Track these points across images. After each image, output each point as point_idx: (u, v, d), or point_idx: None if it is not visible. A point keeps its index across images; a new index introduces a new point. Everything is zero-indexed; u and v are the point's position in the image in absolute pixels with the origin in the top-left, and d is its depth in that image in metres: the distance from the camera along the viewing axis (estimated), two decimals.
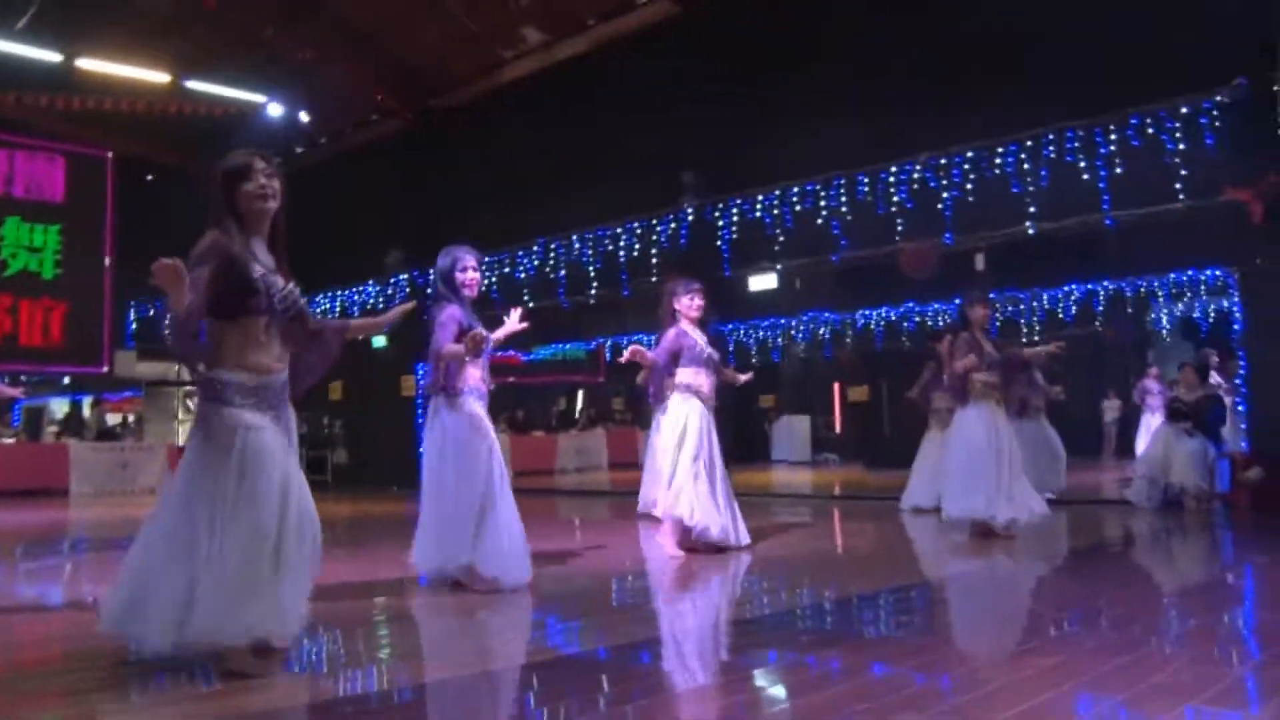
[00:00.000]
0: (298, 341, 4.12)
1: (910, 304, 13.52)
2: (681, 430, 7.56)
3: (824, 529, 10.22)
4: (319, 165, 21.04)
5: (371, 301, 19.66)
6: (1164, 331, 15.88)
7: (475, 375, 6.30)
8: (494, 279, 17.48)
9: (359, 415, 20.43)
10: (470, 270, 6.48)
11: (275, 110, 18.18)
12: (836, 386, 23.31)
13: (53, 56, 16.37)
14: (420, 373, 19.07)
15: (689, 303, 7.75)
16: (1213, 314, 14.83)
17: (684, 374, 7.66)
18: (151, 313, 21.28)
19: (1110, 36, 11.69)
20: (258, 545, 3.77)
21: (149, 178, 21.35)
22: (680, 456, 7.57)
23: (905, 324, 15.54)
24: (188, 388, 21.74)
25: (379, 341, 19.57)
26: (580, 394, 28.26)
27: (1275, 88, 10.70)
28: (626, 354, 7.45)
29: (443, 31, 18.04)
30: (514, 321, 6.74)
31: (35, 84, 17.25)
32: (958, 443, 8.55)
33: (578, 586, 6.69)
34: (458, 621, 5.48)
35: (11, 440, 19.29)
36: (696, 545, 7.61)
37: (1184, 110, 11.18)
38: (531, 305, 16.76)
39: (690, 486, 7.52)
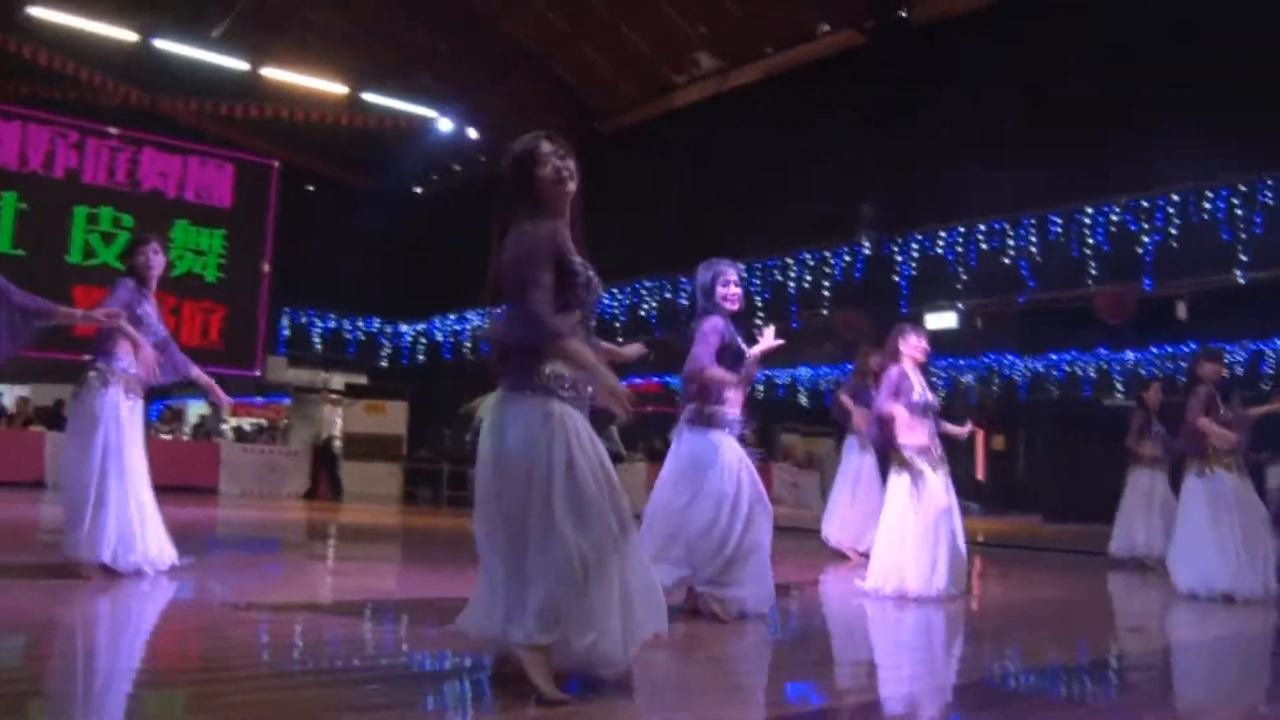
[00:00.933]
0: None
1: (1102, 349, 13.07)
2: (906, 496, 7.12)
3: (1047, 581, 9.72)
4: (487, 180, 21.18)
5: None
6: None
7: (737, 402, 5.99)
8: (655, 304, 17.38)
9: None
10: (733, 285, 6.13)
11: (445, 125, 18.36)
12: (981, 434, 22.78)
13: (241, 65, 16.77)
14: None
15: (915, 343, 7.31)
16: None
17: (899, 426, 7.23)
18: (303, 320, 21.63)
19: None
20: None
21: (309, 188, 21.71)
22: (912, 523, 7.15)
23: (1055, 373, 15.08)
24: (333, 396, 21.99)
25: None
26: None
27: None
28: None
29: (612, 55, 18.11)
30: (769, 339, 6.33)
31: (219, 92, 17.70)
32: (1194, 510, 8.09)
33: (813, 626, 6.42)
34: (705, 656, 5.11)
35: (169, 436, 19.66)
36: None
37: None
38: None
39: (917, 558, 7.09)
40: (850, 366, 15.33)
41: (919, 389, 7.08)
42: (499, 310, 3.66)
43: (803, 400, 20.98)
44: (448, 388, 21.12)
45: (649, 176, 18.21)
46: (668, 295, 17.26)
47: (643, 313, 17.57)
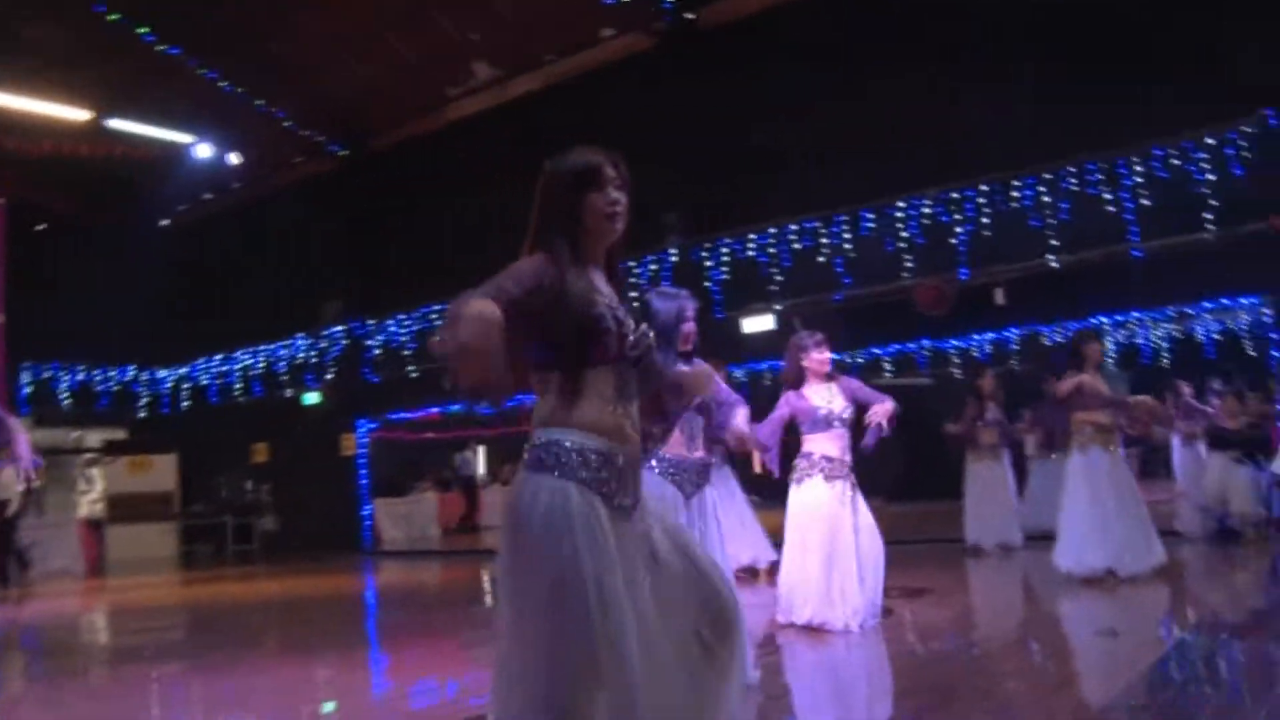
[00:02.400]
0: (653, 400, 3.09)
1: (924, 340, 13.15)
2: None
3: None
4: (243, 208, 19.73)
5: (302, 356, 18.38)
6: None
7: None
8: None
9: (289, 478, 18.99)
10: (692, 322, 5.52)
11: (203, 151, 16.85)
12: None
13: None
14: (363, 430, 17.89)
15: (818, 357, 6.83)
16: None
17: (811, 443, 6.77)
18: (46, 374, 19.48)
19: (1129, 70, 11.57)
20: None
21: (40, 227, 19.61)
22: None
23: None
24: (88, 455, 19.93)
25: (311, 398, 18.30)
26: (481, 449, 27.00)
27: None
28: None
29: (382, 68, 17.08)
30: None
31: None
32: (1076, 492, 8.06)
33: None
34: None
35: None
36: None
37: (1210, 141, 11.09)
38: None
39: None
40: None
41: (821, 401, 6.64)
42: None
43: None
44: (219, 435, 19.50)
45: (430, 193, 17.29)
46: None
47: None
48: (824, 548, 6.46)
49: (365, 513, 17.89)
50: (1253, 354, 13.89)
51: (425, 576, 14.04)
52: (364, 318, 17.72)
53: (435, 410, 18.48)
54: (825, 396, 6.56)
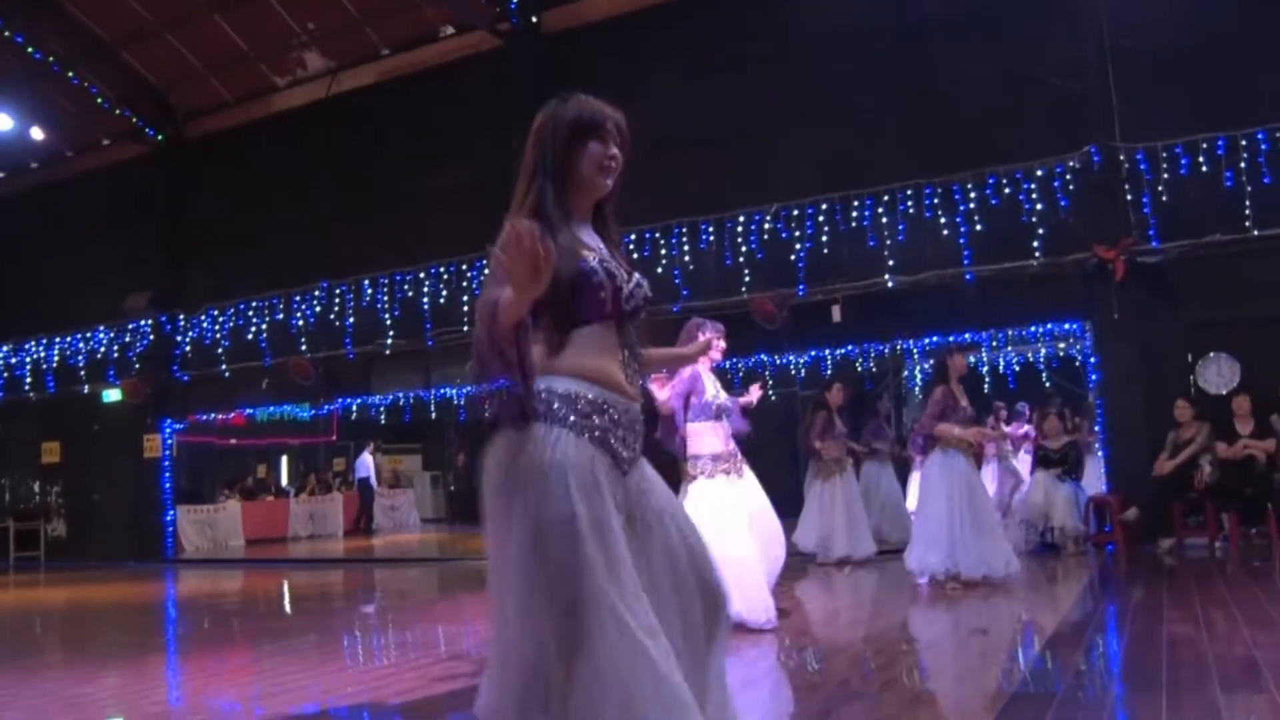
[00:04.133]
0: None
1: (762, 355, 13.16)
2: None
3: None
4: (41, 189, 18.41)
5: (103, 350, 17.23)
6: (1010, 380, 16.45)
7: None
8: (264, 326, 15.71)
9: (84, 480, 17.74)
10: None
11: (3, 123, 15.63)
12: None
13: None
14: (168, 431, 16.87)
15: (719, 344, 6.68)
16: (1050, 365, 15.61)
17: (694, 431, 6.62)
18: None
19: (967, 102, 11.94)
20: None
21: None
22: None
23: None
24: None
25: (111, 395, 17.17)
26: (284, 458, 25.95)
27: (1120, 156, 11.21)
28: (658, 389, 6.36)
29: (202, 49, 16.26)
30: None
31: None
32: (931, 495, 8.15)
33: None
34: None
35: None
36: None
37: (1039, 172, 11.49)
38: (310, 356, 15.22)
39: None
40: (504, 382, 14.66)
41: (712, 391, 6.53)
42: None
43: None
44: (3, 432, 18.17)
45: (252, 185, 16.49)
46: (279, 316, 15.63)
47: (250, 336, 15.82)
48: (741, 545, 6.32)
49: (168, 519, 16.85)
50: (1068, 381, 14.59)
51: (228, 586, 13.31)
52: (174, 312, 16.75)
53: (246, 412, 17.65)
54: (714, 386, 6.48)
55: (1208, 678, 4.63)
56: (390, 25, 15.40)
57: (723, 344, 6.58)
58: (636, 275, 2.74)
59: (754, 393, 7.11)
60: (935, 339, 12.37)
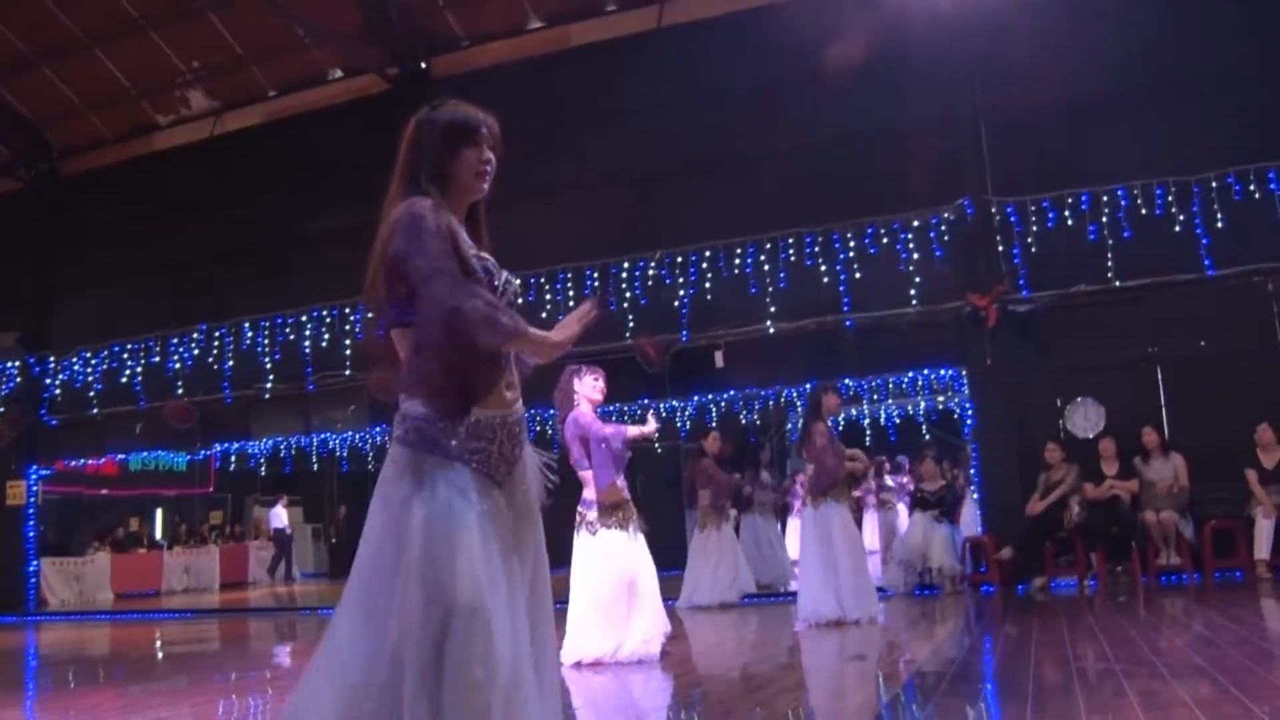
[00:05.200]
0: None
1: (644, 399, 13.18)
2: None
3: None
4: None
5: None
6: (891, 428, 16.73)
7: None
8: (138, 369, 15.27)
9: None
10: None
11: None
12: None
13: None
14: (34, 477, 16.23)
15: (593, 384, 6.71)
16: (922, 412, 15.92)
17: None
18: None
19: (846, 155, 12.26)
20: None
21: None
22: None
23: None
24: None
25: None
26: (159, 510, 25.15)
27: (991, 208, 11.61)
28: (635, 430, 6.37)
29: (81, 84, 15.90)
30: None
31: None
32: (808, 542, 8.26)
33: None
34: None
35: None
36: None
37: (915, 223, 11.82)
38: (187, 400, 14.84)
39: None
40: (376, 429, 14.48)
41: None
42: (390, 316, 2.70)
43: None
44: None
45: (130, 224, 16.08)
46: (156, 359, 15.21)
47: (124, 379, 15.37)
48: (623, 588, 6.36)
49: (31, 570, 16.16)
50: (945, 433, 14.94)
51: (96, 637, 12.80)
52: (43, 353, 16.19)
53: (119, 459, 17.10)
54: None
55: (1071, 689, 4.76)
56: (278, 66, 15.29)
57: (602, 385, 6.63)
58: (506, 272, 2.77)
59: (650, 422, 7.10)
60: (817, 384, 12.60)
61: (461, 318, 2.46)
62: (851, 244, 12.03)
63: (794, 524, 14.56)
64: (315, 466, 17.83)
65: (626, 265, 12.83)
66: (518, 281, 2.83)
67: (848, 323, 11.99)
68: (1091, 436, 11.05)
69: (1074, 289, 11.16)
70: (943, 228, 11.76)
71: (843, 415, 15.47)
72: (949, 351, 11.94)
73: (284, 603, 17.09)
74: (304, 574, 22.69)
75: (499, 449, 2.61)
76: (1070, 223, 11.19)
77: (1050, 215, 11.29)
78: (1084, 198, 11.16)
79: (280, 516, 21.86)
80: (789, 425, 17.00)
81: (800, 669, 6.88)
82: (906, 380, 14.45)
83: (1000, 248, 11.52)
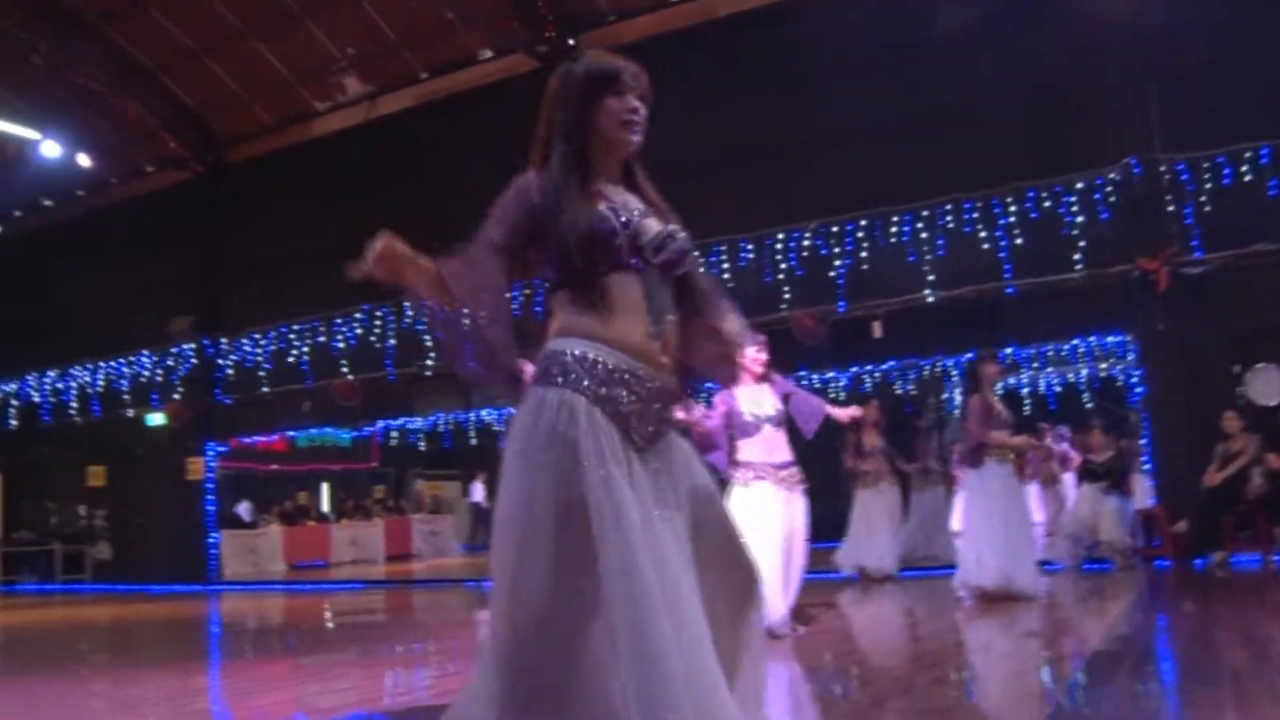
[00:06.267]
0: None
1: (803, 371, 13.12)
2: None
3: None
4: (86, 217, 18.65)
5: (146, 374, 17.42)
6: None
7: None
8: (305, 349, 15.83)
9: (128, 504, 17.90)
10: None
11: (50, 150, 15.86)
12: None
13: None
14: (211, 454, 17.02)
15: (754, 356, 6.66)
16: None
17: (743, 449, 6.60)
18: None
19: (1004, 117, 11.91)
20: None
21: None
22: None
23: None
24: None
25: (155, 419, 17.34)
26: (324, 484, 26.04)
27: (1160, 167, 11.17)
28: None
29: (243, 75, 16.47)
30: None
31: None
32: (984, 507, 8.11)
33: None
34: None
35: None
36: None
37: (1079, 185, 11.45)
38: (352, 378, 15.33)
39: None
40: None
41: (748, 406, 6.50)
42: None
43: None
44: (50, 457, 18.35)
45: (292, 209, 16.64)
46: (321, 339, 15.75)
47: (291, 359, 15.96)
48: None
49: (211, 542, 16.97)
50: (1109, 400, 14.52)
51: (271, 607, 13.41)
52: (216, 336, 16.92)
53: (289, 435, 17.79)
54: (754, 399, 6.43)
55: (1266, 676, 4.57)
56: (429, 49, 15.57)
57: (764, 356, 6.58)
58: (671, 225, 2.60)
59: (851, 411, 7.18)
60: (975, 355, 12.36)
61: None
62: (1012, 209, 11.72)
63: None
64: (474, 441, 18.22)
65: (781, 236, 12.75)
66: (683, 236, 2.63)
67: (1009, 290, 11.71)
68: (1273, 404, 10.60)
69: (1252, 248, 10.67)
70: (1108, 189, 11.37)
71: (1000, 384, 15.11)
72: (1116, 317, 11.57)
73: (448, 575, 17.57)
74: (462, 546, 23.26)
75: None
76: (1248, 179, 10.70)
77: (1226, 172, 10.81)
78: (1264, 152, 10.65)
79: (477, 490, 22.51)
80: (945, 395, 16.72)
81: (965, 646, 6.78)
82: (1067, 348, 14.01)
83: (1171, 208, 11.08)
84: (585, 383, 2.41)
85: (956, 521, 11.62)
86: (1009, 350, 12.22)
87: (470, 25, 14.90)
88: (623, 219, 2.52)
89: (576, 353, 2.44)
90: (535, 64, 14.56)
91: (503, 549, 2.39)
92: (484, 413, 16.16)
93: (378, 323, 15.27)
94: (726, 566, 2.54)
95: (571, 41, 14.58)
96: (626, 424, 2.43)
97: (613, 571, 2.25)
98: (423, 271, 2.42)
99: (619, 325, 2.48)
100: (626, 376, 2.45)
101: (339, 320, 15.55)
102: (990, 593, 7.90)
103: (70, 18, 15.50)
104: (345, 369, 15.38)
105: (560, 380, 2.41)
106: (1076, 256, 11.40)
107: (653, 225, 2.57)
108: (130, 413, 17.58)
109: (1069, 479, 12.61)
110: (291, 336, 16.02)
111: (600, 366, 2.43)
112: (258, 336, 16.36)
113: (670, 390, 2.56)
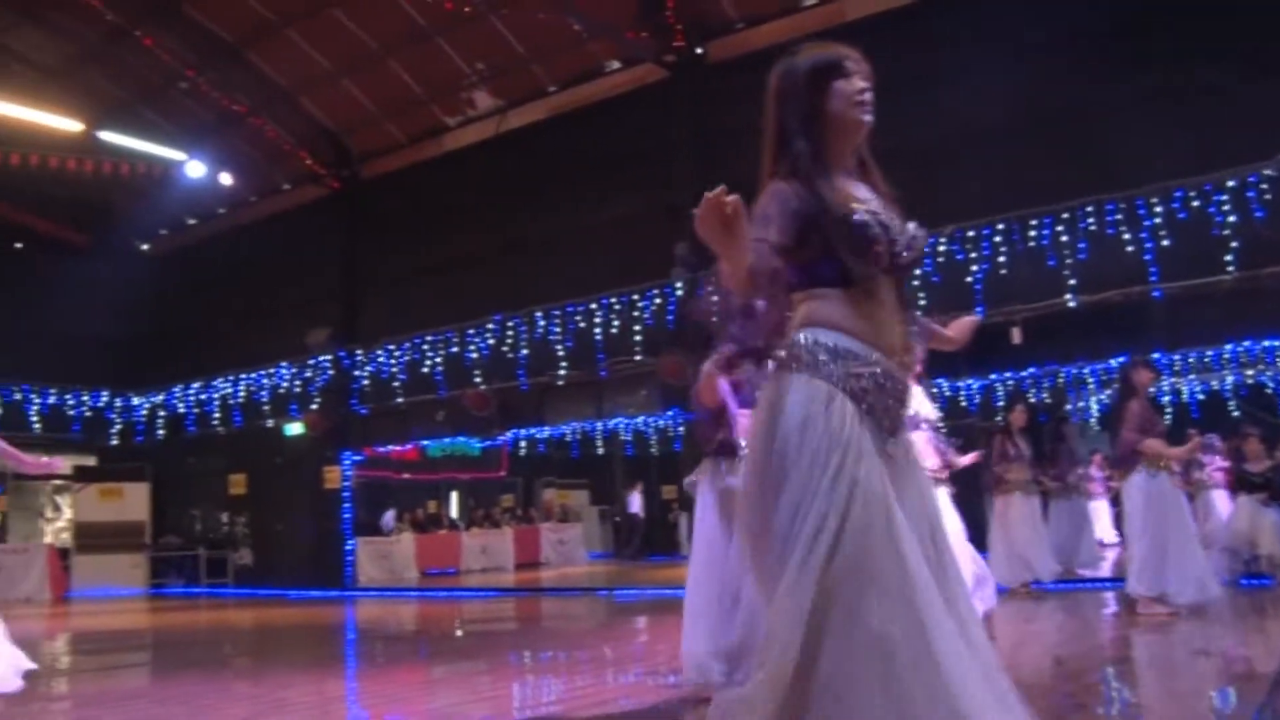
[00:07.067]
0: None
1: (940, 379, 12.96)
2: None
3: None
4: (228, 233, 19.32)
5: (286, 385, 17.93)
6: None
7: None
8: (438, 360, 16.11)
9: (268, 511, 18.44)
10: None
11: (194, 170, 16.47)
12: None
13: None
14: (348, 462, 17.42)
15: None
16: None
17: None
18: (16, 396, 18.81)
19: (1147, 114, 11.59)
20: None
21: (17, 246, 19.10)
22: None
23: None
24: (57, 481, 19.27)
25: (293, 429, 17.84)
26: (454, 493, 26.45)
27: None
28: None
29: (376, 93, 16.89)
30: None
31: None
32: (1143, 516, 7.88)
33: None
34: None
35: None
36: None
37: (1230, 183, 11.07)
38: (485, 388, 15.55)
39: None
40: (675, 413, 14.69)
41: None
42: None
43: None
44: (194, 465, 18.98)
45: (424, 222, 16.99)
46: (454, 350, 16.01)
47: (425, 369, 16.25)
48: None
49: (348, 549, 17.36)
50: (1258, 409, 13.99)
51: (405, 613, 13.65)
52: (352, 347, 17.34)
53: (421, 444, 18.12)
54: (917, 399, 6.35)
55: None
56: (557, 62, 15.76)
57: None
58: (912, 225, 2.62)
59: (967, 458, 7.06)
60: (1121, 360, 12.02)
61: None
62: (1158, 209, 11.37)
63: (1099, 505, 13.97)
64: (601, 450, 18.35)
65: None
66: (923, 234, 2.64)
67: (1155, 293, 11.36)
68: None
69: None
70: (1263, 185, 10.94)
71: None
72: (1273, 320, 11.14)
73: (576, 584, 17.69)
74: (591, 554, 23.38)
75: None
76: None
77: None
78: None
79: (635, 500, 22.64)
80: (1082, 404, 16.31)
81: (1128, 661, 6.58)
82: (1211, 354, 13.54)
83: None
84: (839, 375, 2.43)
85: (1104, 532, 11.34)
86: (1156, 355, 11.85)
87: (598, 37, 15.04)
88: (881, 223, 2.53)
89: (830, 342, 2.46)
90: (663, 73, 14.64)
91: (786, 556, 2.34)
92: (611, 422, 16.24)
93: (510, 333, 15.46)
94: (949, 566, 2.52)
95: (699, 50, 14.63)
96: (872, 413, 2.45)
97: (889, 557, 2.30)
98: (739, 250, 2.34)
99: (869, 320, 2.50)
100: (873, 368, 2.47)
101: (472, 331, 15.79)
102: (1154, 605, 7.68)
103: (215, 45, 16.12)
104: (478, 379, 15.60)
105: (811, 371, 2.43)
106: (1228, 257, 10.99)
107: (907, 227, 2.61)
108: (270, 423, 18.12)
109: (1220, 491, 12.17)
110: (425, 347, 16.31)
111: (854, 360, 2.45)
112: (392, 348, 16.71)
113: (907, 389, 2.58)
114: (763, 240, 2.42)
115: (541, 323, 15.17)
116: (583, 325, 14.76)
